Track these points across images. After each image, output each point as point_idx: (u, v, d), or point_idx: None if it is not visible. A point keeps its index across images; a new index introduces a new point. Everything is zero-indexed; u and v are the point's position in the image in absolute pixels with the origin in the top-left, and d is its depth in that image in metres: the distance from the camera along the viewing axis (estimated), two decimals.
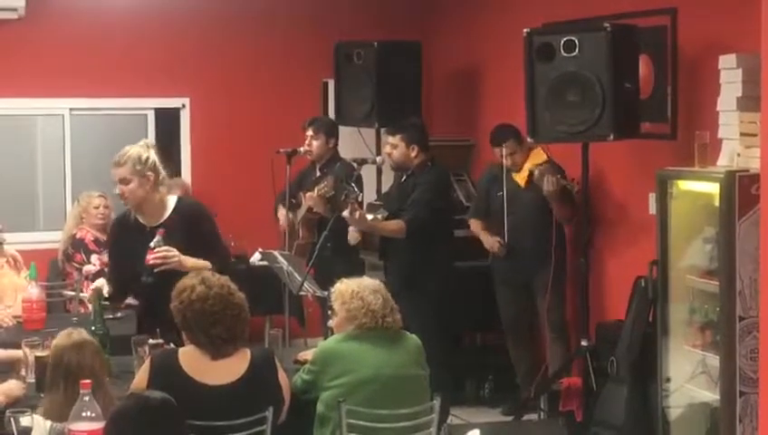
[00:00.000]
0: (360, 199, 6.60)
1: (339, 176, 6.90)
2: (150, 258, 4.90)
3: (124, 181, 5.07)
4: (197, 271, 4.48)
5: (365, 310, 4.60)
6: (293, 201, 7.30)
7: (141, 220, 5.15)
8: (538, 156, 6.87)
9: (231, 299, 4.24)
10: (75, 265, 7.43)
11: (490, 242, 7.06)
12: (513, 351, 7.21)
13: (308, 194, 7.10)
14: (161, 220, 5.11)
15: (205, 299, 4.20)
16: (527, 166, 6.88)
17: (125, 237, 5.20)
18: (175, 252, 4.91)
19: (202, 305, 4.19)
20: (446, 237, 6.86)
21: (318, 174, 7.38)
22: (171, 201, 5.18)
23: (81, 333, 4.15)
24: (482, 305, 7.25)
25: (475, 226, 7.24)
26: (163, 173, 5.16)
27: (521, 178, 6.94)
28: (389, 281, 6.29)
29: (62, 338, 4.12)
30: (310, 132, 7.40)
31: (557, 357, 6.91)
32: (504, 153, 6.92)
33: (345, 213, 6.43)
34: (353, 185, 6.52)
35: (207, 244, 5.10)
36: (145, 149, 5.14)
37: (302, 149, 7.37)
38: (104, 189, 7.63)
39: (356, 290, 4.64)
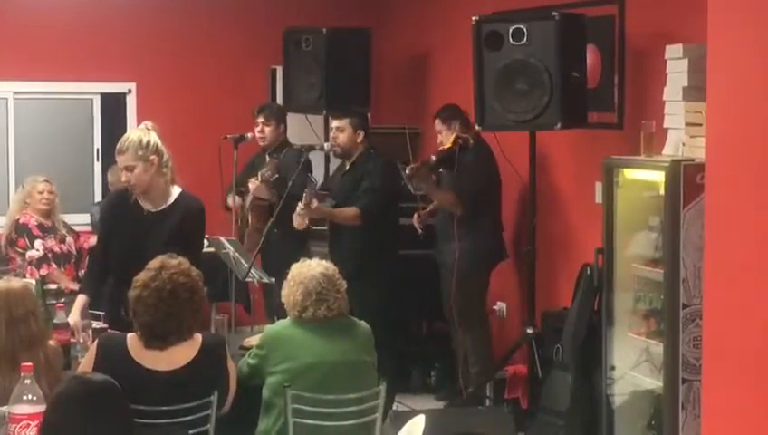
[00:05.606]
0: (316, 190, 6.57)
1: (283, 161, 6.86)
2: None
3: (129, 168, 4.96)
4: (167, 255, 4.28)
5: (287, 298, 4.63)
6: (242, 189, 7.24)
7: (142, 204, 5.05)
8: (448, 139, 6.86)
9: (172, 296, 4.11)
10: (18, 250, 7.35)
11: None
12: (453, 336, 7.18)
13: (251, 180, 7.04)
14: (163, 207, 5.03)
15: (144, 287, 4.13)
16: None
17: (118, 217, 5.10)
18: None
19: (140, 293, 4.13)
20: (394, 225, 6.86)
21: (267, 161, 7.32)
22: (175, 190, 5.08)
23: (11, 280, 4.22)
24: (428, 294, 7.23)
25: None
26: (167, 155, 5.04)
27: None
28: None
29: None
30: (261, 119, 7.31)
31: (466, 345, 6.91)
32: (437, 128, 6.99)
33: (300, 204, 6.40)
34: (310, 175, 6.48)
35: (190, 244, 4.92)
36: (145, 132, 5.03)
37: (249, 135, 7.30)
38: (49, 174, 7.56)
39: (292, 277, 4.65)
